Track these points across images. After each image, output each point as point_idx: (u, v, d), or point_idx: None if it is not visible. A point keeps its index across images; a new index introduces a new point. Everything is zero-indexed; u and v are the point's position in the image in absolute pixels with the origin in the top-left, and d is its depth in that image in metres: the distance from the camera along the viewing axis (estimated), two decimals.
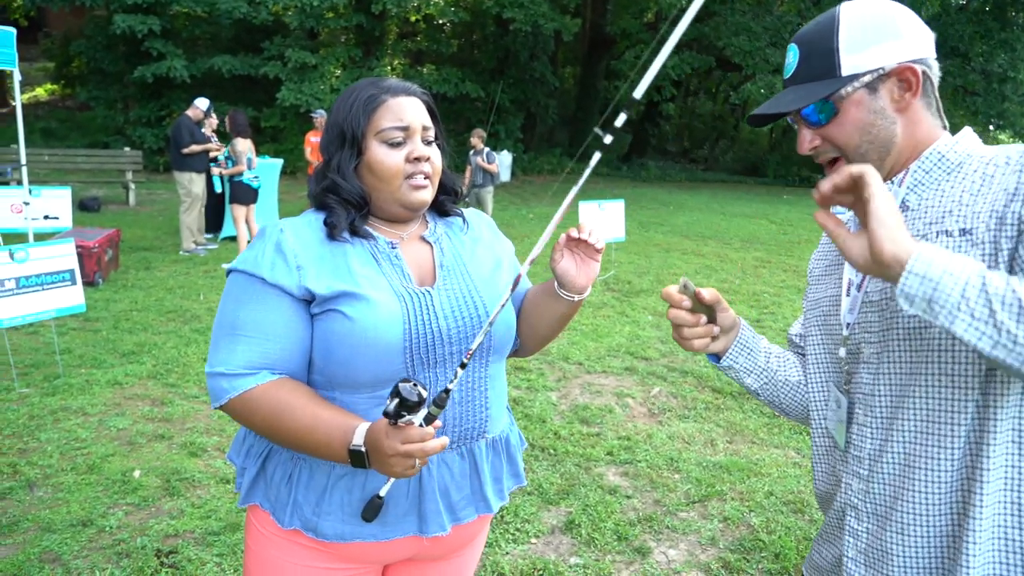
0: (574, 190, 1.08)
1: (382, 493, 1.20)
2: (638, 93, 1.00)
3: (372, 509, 1.21)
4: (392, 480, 1.19)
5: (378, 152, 1.25)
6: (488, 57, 19.56)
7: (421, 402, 1.03)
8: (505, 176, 16.43)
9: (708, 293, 1.13)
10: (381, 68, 16.27)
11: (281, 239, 1.23)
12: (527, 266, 1.16)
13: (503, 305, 1.14)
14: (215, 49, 16.75)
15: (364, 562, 1.32)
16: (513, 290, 1.16)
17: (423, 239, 1.36)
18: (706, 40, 18.91)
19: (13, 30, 6.04)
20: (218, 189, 7.57)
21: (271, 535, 1.30)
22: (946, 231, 0.99)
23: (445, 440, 1.08)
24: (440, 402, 1.10)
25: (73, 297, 4.37)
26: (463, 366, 1.12)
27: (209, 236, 8.77)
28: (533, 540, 2.92)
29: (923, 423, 1.02)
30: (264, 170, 9.23)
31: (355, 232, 1.27)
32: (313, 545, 1.28)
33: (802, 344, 1.34)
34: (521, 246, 9.59)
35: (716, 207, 15.67)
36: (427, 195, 1.30)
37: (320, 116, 9.60)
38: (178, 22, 16.71)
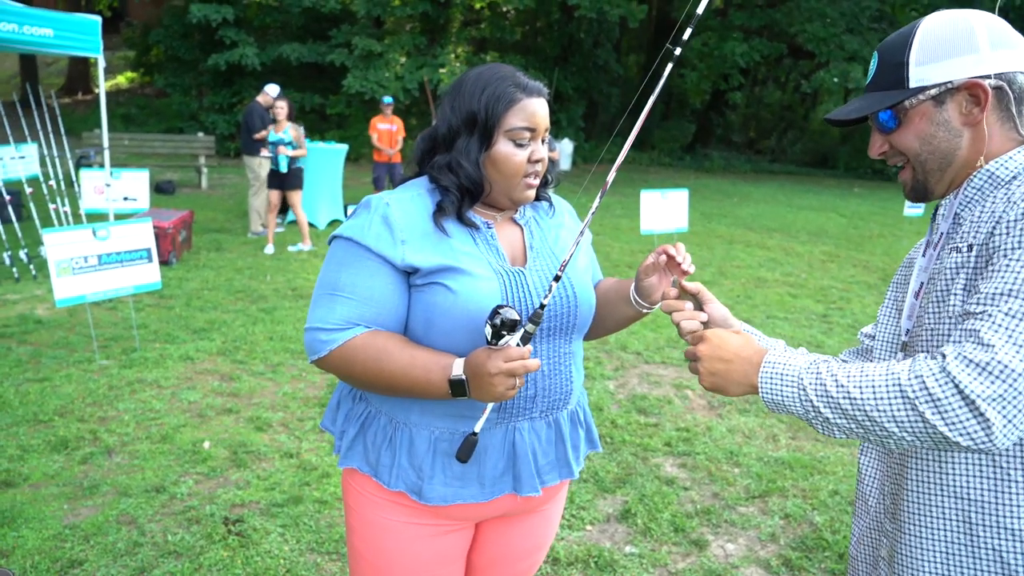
0: (645, 110, 1.18)
1: (477, 429, 1.26)
2: (700, 8, 1.11)
3: (467, 447, 1.26)
4: (485, 415, 1.25)
5: (506, 149, 1.30)
6: (552, 44, 19.45)
7: (518, 323, 1.15)
8: (565, 165, 16.35)
9: (691, 285, 1.25)
10: (445, 56, 16.37)
11: (388, 212, 1.28)
12: (590, 216, 1.27)
13: (581, 235, 1.26)
14: (284, 37, 17.19)
15: (462, 519, 1.41)
16: (580, 237, 1.26)
17: (514, 221, 1.43)
18: (777, 27, 18.33)
19: (99, 19, 6.32)
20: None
21: (373, 496, 1.39)
22: (956, 247, 1.03)
23: (538, 362, 1.17)
24: (536, 319, 1.19)
25: (150, 274, 4.56)
26: (557, 279, 1.22)
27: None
28: (588, 527, 2.91)
29: None
30: (329, 156, 9.42)
31: (460, 218, 1.33)
32: (415, 505, 1.36)
33: (871, 345, 1.35)
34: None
35: (782, 199, 15.23)
36: (534, 193, 1.37)
37: (390, 103, 9.73)
38: (250, 11, 17.22)
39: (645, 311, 1.40)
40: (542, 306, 1.19)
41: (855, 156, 23.15)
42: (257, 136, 7.97)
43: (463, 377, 1.20)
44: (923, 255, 1.13)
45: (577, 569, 2.64)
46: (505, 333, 1.14)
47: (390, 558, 1.40)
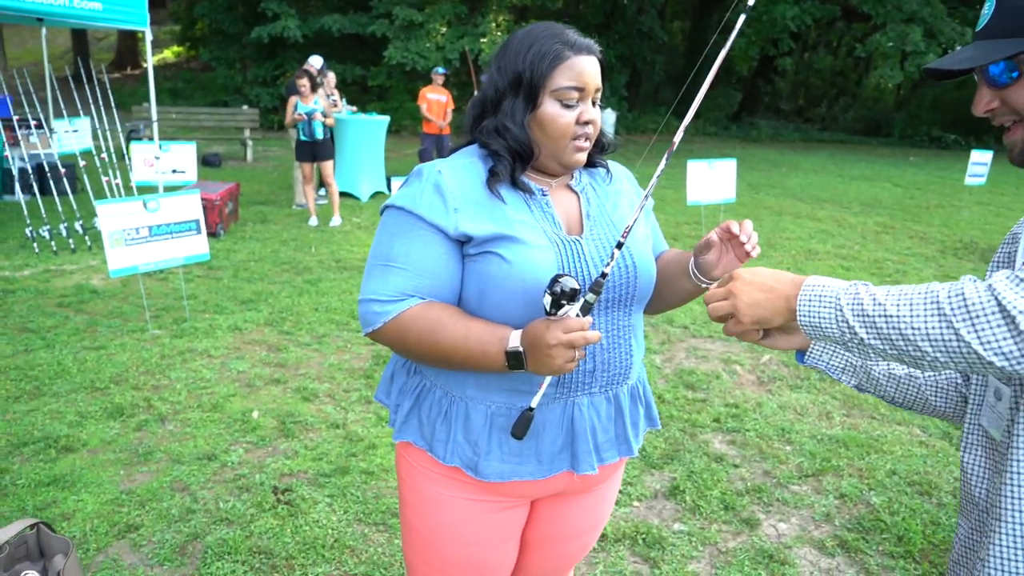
0: (715, 66, 1.10)
1: (533, 404, 1.21)
2: None
3: (523, 423, 1.22)
4: (543, 390, 1.20)
5: (552, 110, 1.25)
6: (594, 11, 19.04)
7: (578, 292, 1.10)
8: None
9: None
10: (486, 25, 16.14)
11: (440, 180, 1.24)
12: (655, 180, 1.19)
13: (642, 206, 1.17)
14: (325, 9, 17.15)
15: (518, 496, 1.38)
16: (644, 202, 1.19)
17: (570, 188, 1.36)
18: None
19: None
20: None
21: (427, 470, 1.36)
22: None
23: (599, 333, 1.11)
24: (597, 288, 1.13)
25: (199, 246, 4.62)
26: (620, 246, 1.15)
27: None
28: (636, 503, 2.87)
29: None
30: (371, 128, 9.40)
31: (515, 184, 1.28)
32: (471, 481, 1.33)
33: None
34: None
35: (833, 169, 14.75)
36: (584, 157, 1.31)
37: (442, 73, 9.60)
38: None
39: (704, 286, 1.33)
40: (603, 275, 1.13)
41: (911, 123, 22.25)
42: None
43: (520, 349, 1.15)
44: None
45: (624, 546, 2.60)
46: (565, 303, 1.09)
47: (443, 533, 1.38)
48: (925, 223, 9.31)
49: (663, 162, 1.16)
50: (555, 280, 1.10)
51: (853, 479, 3.10)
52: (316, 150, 7.54)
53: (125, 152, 7.48)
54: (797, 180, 12.85)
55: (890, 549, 2.64)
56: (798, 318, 0.98)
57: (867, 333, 0.90)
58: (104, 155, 7.33)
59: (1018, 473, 0.95)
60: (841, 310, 0.93)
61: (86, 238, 6.43)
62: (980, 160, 9.45)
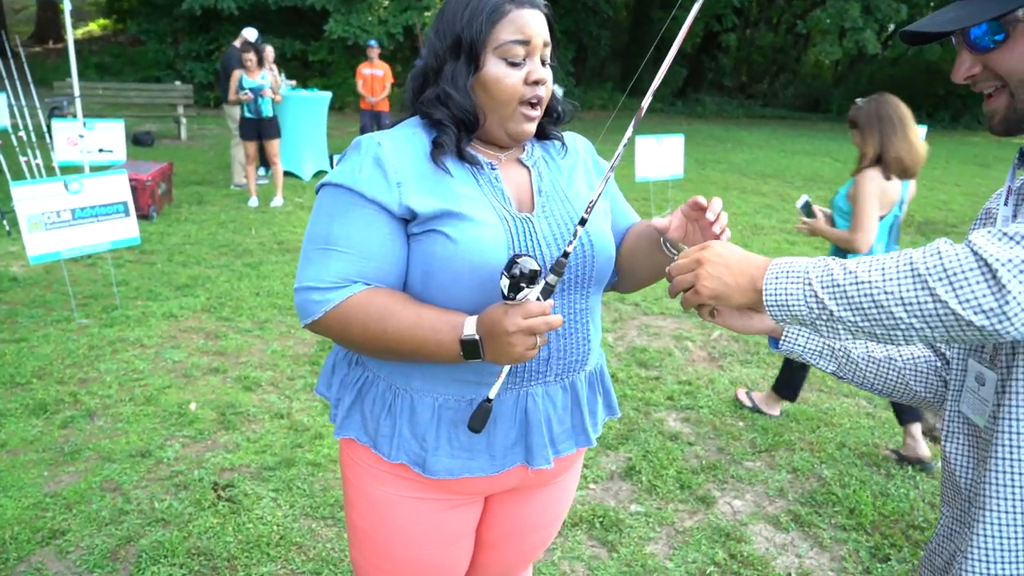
0: (677, 41, 1.02)
1: (491, 395, 1.13)
2: None
3: (481, 415, 1.13)
4: (501, 380, 1.12)
5: (497, 70, 1.14)
6: None
7: (537, 274, 1.02)
8: None
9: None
10: None
11: (380, 153, 1.14)
12: (621, 148, 1.06)
13: (606, 179, 1.08)
14: None
15: (470, 493, 1.30)
16: (605, 181, 1.08)
17: (520, 162, 1.26)
18: None
19: None
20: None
21: (373, 468, 1.27)
22: None
23: (561, 318, 1.04)
24: (559, 268, 1.04)
25: (127, 229, 4.36)
26: (583, 223, 1.05)
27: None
28: (592, 486, 2.83)
29: None
30: (312, 104, 9.07)
31: (461, 155, 1.18)
32: (419, 478, 1.24)
33: None
34: None
35: (776, 144, 14.99)
36: (533, 127, 1.21)
37: (375, 46, 9.32)
38: None
39: (675, 256, 1.24)
40: (565, 254, 1.04)
41: (848, 99, 22.77)
42: (231, 99, 7.43)
43: (476, 337, 1.06)
44: (1005, 203, 0.97)
45: (582, 530, 2.55)
46: (524, 286, 1.01)
47: (392, 534, 1.29)
48: None
49: (630, 129, 1.07)
50: (513, 261, 1.01)
51: (804, 453, 3.13)
52: (262, 128, 7.20)
53: (46, 131, 7.02)
54: (742, 155, 13.02)
55: (842, 522, 2.67)
56: (764, 298, 0.92)
57: (837, 305, 0.85)
58: (22, 134, 6.85)
59: (1003, 459, 0.91)
60: (810, 283, 0.87)
61: (4, 223, 6.02)
62: None
